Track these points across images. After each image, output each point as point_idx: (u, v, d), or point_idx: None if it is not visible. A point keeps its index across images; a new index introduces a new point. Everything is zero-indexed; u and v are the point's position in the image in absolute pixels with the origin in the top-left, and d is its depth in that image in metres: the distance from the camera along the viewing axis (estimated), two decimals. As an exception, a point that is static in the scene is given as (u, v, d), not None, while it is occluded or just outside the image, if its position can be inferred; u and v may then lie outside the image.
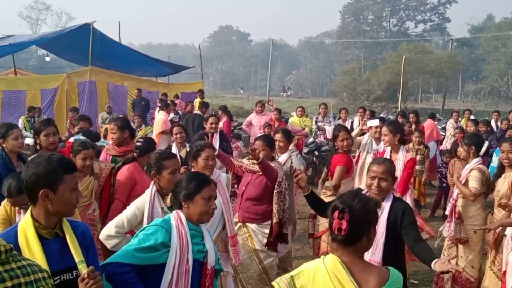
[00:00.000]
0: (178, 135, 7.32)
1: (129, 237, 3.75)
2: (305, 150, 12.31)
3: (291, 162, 6.08)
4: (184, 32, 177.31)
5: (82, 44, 17.92)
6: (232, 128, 15.43)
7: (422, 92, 56.33)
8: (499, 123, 13.40)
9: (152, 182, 4.00)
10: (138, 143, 5.34)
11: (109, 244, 3.80)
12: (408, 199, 5.82)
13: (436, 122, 16.82)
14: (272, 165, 5.30)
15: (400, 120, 11.71)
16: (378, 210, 2.54)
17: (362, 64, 50.76)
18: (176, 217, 3.11)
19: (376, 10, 78.70)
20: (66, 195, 2.52)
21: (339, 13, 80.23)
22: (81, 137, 4.98)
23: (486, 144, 5.82)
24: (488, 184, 5.64)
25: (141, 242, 2.93)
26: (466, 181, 5.60)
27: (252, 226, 5.25)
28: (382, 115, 18.22)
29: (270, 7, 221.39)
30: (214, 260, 3.20)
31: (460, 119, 14.54)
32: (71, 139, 4.93)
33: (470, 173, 5.61)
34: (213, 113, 12.94)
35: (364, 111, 13.21)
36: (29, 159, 3.85)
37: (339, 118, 13.77)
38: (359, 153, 7.64)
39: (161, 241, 2.95)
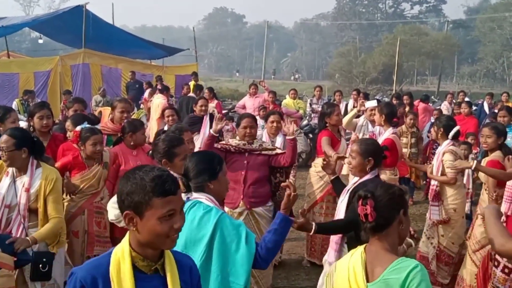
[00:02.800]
0: (170, 118, 7.31)
1: None
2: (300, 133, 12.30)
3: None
4: (179, 14, 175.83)
5: (75, 26, 17.76)
6: (226, 110, 15.42)
7: (418, 75, 56.24)
8: (485, 106, 13.62)
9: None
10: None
11: None
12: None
13: (431, 104, 16.86)
14: (270, 145, 5.31)
15: (394, 102, 11.70)
16: (406, 196, 2.55)
17: (358, 46, 50.59)
18: (212, 202, 3.03)
19: (372, -8, 78.30)
20: (153, 224, 1.96)
21: (334, -6, 79.80)
22: (86, 125, 4.95)
23: (456, 128, 5.80)
24: None
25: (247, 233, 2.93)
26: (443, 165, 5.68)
27: (258, 210, 5.07)
28: (377, 97, 18.19)
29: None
30: None
31: (454, 101, 14.53)
32: (78, 128, 4.88)
33: (443, 157, 5.65)
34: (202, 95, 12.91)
35: (358, 93, 13.20)
36: None
37: (334, 100, 13.75)
38: (356, 135, 7.65)
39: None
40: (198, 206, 2.99)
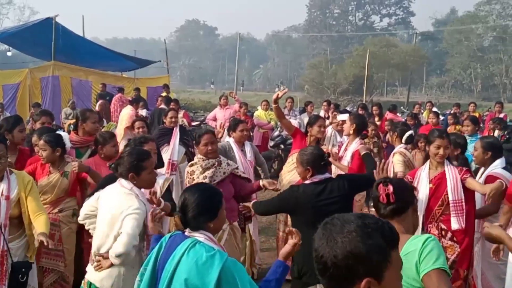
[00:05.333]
0: (140, 130, 7.29)
1: None
2: (271, 143, 12.38)
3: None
4: (151, 27, 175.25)
5: (44, 39, 17.59)
6: (199, 122, 15.42)
7: (388, 85, 57.02)
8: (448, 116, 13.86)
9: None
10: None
11: (129, 257, 3.52)
12: None
13: (399, 115, 17.13)
14: (235, 164, 5.33)
15: (360, 112, 11.88)
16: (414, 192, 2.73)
17: (329, 58, 51.13)
18: (212, 242, 2.87)
19: (342, 4, 79.39)
20: (394, 283, 1.67)
21: (305, 7, 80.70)
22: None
23: (409, 133, 6.36)
24: (411, 166, 6.09)
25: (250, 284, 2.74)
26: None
27: (235, 223, 5.11)
28: (348, 108, 18.41)
29: (237, 0, 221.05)
30: None
31: (422, 111, 14.81)
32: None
33: (393, 158, 6.08)
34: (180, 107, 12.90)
35: (329, 104, 13.35)
36: None
37: (305, 111, 13.88)
38: (325, 145, 7.74)
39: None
40: (200, 247, 2.79)
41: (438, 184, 4.70)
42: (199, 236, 2.85)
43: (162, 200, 4.07)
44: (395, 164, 6.09)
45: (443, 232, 4.67)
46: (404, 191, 2.62)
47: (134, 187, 3.70)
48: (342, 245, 1.60)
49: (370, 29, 75.01)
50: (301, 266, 4.02)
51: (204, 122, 15.19)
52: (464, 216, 4.61)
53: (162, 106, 12.70)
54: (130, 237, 3.47)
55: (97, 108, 14.47)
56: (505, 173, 4.92)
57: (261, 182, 5.08)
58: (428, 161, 4.94)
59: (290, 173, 6.26)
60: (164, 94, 16.73)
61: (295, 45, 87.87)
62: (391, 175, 5.88)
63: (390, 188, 2.54)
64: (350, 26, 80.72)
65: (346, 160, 5.99)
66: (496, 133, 9.11)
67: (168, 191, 4.48)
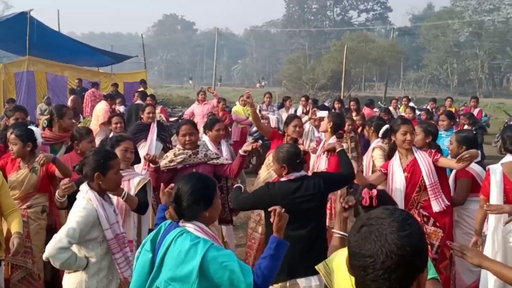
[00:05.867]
0: (118, 125, 7.22)
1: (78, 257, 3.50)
2: (249, 139, 12.34)
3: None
4: (128, 21, 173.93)
5: (19, 34, 17.27)
6: (177, 118, 15.33)
7: (366, 81, 57.51)
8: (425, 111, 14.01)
9: (87, 185, 3.63)
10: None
11: (58, 260, 3.39)
12: None
13: (377, 110, 17.24)
14: (213, 152, 5.27)
15: (336, 106, 11.93)
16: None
17: (307, 53, 51.28)
18: (202, 232, 2.82)
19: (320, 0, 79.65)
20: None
21: (284, 2, 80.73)
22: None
23: (385, 127, 6.31)
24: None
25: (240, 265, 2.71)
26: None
27: None
28: (326, 103, 18.47)
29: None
30: None
31: (399, 106, 14.93)
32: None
33: (373, 153, 6.15)
34: (157, 102, 12.81)
35: (307, 99, 13.38)
36: None
37: (283, 106, 13.89)
38: (303, 141, 7.75)
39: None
40: (185, 236, 2.78)
41: (412, 171, 4.76)
42: (189, 226, 2.82)
43: (126, 192, 4.09)
44: (375, 159, 6.15)
45: (425, 219, 4.74)
46: (387, 198, 2.69)
47: (90, 190, 3.58)
48: (402, 241, 1.49)
49: (348, 24, 75.39)
50: None
51: (182, 118, 15.10)
52: (443, 197, 4.68)
53: (139, 101, 12.59)
54: (54, 241, 3.39)
55: (68, 103, 14.27)
56: (478, 167, 4.99)
57: (240, 151, 5.15)
58: (397, 151, 4.96)
59: (266, 172, 6.26)
60: (141, 89, 16.60)
61: (273, 40, 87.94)
62: (370, 170, 5.91)
63: (374, 191, 2.60)
64: (328, 21, 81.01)
65: (323, 158, 5.99)
66: (465, 128, 9.22)
67: (144, 190, 4.41)
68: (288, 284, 3.98)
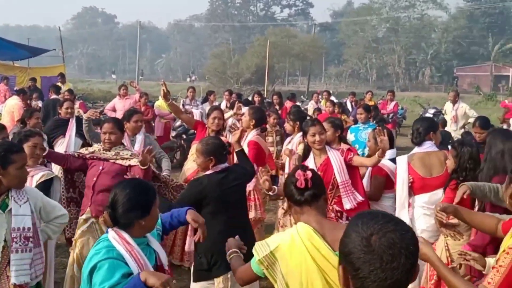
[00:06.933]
0: (35, 121, 6.94)
1: None
2: (173, 133, 12.23)
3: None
4: (45, 13, 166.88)
5: None
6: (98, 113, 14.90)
7: (289, 75, 58.36)
8: (348, 104, 14.56)
9: None
10: None
11: None
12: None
13: (299, 104, 17.57)
14: (129, 153, 5.04)
15: (256, 99, 12.07)
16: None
17: (231, 47, 51.37)
18: (120, 240, 2.66)
19: (244, -6, 79.94)
20: None
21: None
22: None
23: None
24: None
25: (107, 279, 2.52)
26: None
27: None
28: (250, 98, 18.64)
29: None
30: (166, 259, 2.93)
31: (320, 100, 15.27)
32: None
33: (299, 146, 6.06)
34: (77, 97, 12.41)
35: (231, 94, 13.42)
36: None
37: (207, 101, 13.86)
38: (226, 135, 7.77)
39: (124, 272, 2.56)
40: (101, 244, 2.69)
41: (325, 169, 4.86)
42: (112, 234, 2.70)
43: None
44: (300, 153, 6.11)
45: (339, 214, 4.87)
46: (320, 179, 2.70)
47: None
48: (412, 240, 1.58)
49: (271, 19, 76.12)
50: (210, 258, 4.01)
51: (103, 113, 14.73)
52: (356, 195, 4.82)
53: (54, 96, 12.14)
54: None
55: None
56: (391, 164, 5.18)
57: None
58: (312, 151, 5.06)
59: (191, 162, 6.23)
60: (59, 83, 16.02)
61: (197, 34, 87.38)
62: (292, 164, 5.94)
63: (309, 173, 2.58)
64: (252, 16, 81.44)
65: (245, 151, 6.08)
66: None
67: (44, 185, 4.22)
68: (229, 275, 4.00)
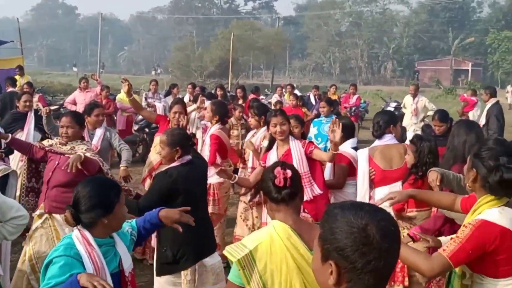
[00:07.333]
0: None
1: None
2: (135, 127, 12.10)
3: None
4: (4, 4, 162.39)
5: None
6: (58, 106, 14.62)
7: (253, 69, 58.39)
8: (312, 98, 14.67)
9: None
10: None
11: None
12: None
13: (263, 97, 17.60)
14: (85, 147, 4.87)
15: (219, 93, 12.06)
16: None
17: (195, 40, 51.04)
18: (82, 240, 2.61)
19: (207, -13, 79.49)
20: None
21: (170, -12, 79.58)
22: None
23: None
24: None
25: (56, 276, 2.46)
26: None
27: (60, 217, 4.59)
28: (213, 91, 18.57)
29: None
30: (131, 264, 2.84)
31: (284, 93, 15.32)
32: None
33: (262, 142, 6.08)
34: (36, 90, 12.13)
35: (194, 87, 13.33)
36: None
37: (170, 94, 13.76)
38: (189, 128, 7.73)
39: (77, 272, 2.48)
40: (64, 240, 2.65)
41: (286, 160, 4.86)
42: (75, 233, 2.65)
43: None
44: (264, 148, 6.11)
45: None
46: (298, 177, 2.64)
47: None
48: (397, 224, 1.65)
49: (235, 12, 75.95)
50: (176, 251, 3.97)
51: (63, 106, 14.45)
52: (314, 188, 4.83)
53: (11, 89, 11.84)
54: None
55: None
56: (353, 152, 5.26)
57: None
58: (276, 141, 5.07)
59: (155, 154, 6.18)
60: (17, 76, 15.63)
61: (160, 27, 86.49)
62: (256, 159, 5.94)
63: (289, 172, 2.52)
64: (216, 9, 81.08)
65: (207, 144, 6.05)
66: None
67: (1, 180, 4.14)
68: (196, 266, 3.98)
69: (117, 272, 2.73)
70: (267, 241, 2.41)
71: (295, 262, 2.36)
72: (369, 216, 1.56)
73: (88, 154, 4.68)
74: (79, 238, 2.62)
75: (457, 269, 2.84)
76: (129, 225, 3.05)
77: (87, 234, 2.63)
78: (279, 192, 2.51)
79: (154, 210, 3.19)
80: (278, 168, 2.54)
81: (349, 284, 1.56)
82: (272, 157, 4.99)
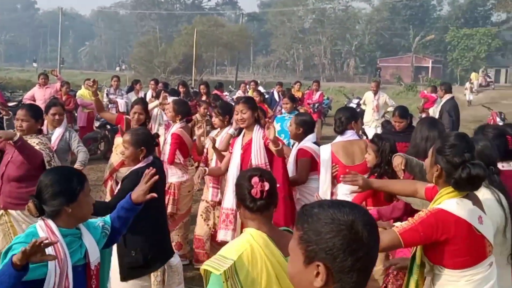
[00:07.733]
0: None
1: None
2: (96, 124, 11.92)
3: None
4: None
5: None
6: (16, 103, 14.28)
7: (217, 65, 58.20)
8: (275, 94, 14.77)
9: None
10: None
11: None
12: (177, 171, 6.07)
13: (227, 94, 17.57)
14: (37, 140, 4.76)
15: (181, 89, 12.01)
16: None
17: (158, 36, 50.53)
18: (46, 229, 2.58)
19: (170, -18, 78.74)
20: None
21: (132, -17, 78.48)
22: None
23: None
24: None
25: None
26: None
27: (15, 213, 4.55)
28: (177, 88, 18.43)
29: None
30: (98, 257, 2.80)
31: (248, 90, 15.32)
32: None
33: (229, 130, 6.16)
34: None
35: (157, 83, 13.23)
36: None
37: (133, 90, 13.61)
38: (151, 125, 7.64)
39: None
40: (28, 229, 2.64)
41: (246, 149, 4.85)
42: (41, 224, 2.62)
43: None
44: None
45: None
46: (275, 187, 2.58)
47: None
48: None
49: (199, 8, 75.44)
50: (146, 254, 3.90)
51: (21, 103, 14.11)
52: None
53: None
54: None
55: None
56: (315, 146, 5.30)
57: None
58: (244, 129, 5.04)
59: (116, 155, 6.09)
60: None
61: (123, 22, 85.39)
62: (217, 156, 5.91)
63: (266, 185, 2.47)
64: (179, 5, 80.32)
65: (168, 143, 6.00)
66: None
67: None
68: (165, 266, 3.96)
69: (83, 265, 2.70)
70: (248, 250, 2.37)
71: (274, 269, 2.35)
72: (353, 212, 1.53)
73: (37, 147, 4.59)
74: (43, 227, 2.59)
75: (417, 259, 2.90)
76: (102, 219, 3.01)
77: (51, 223, 2.61)
78: (254, 202, 2.47)
79: (125, 198, 3.16)
80: (256, 179, 2.49)
81: (337, 284, 1.51)
82: (237, 144, 4.99)
